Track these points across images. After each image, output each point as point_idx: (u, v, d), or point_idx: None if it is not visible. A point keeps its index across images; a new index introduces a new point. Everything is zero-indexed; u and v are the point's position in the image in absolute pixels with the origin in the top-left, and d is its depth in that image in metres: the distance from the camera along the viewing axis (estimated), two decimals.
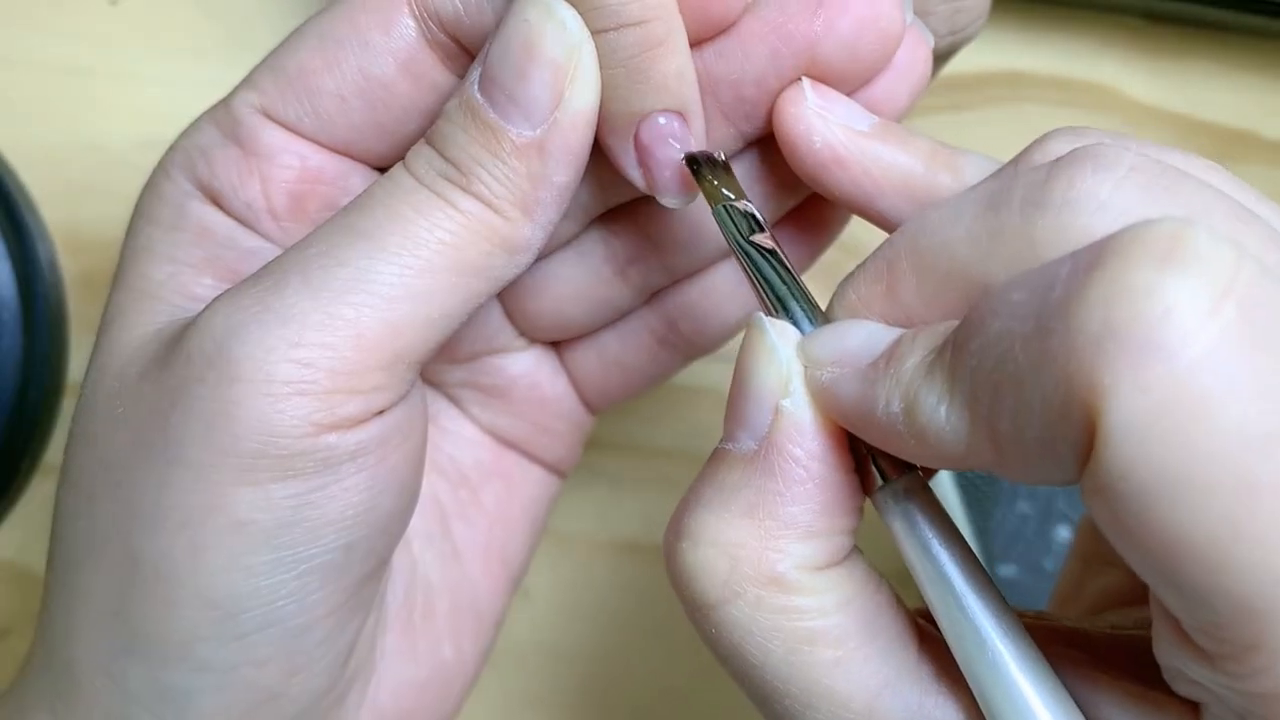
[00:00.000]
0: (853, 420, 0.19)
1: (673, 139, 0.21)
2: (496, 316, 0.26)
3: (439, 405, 0.28)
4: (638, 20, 0.20)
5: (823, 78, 0.22)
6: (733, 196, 0.22)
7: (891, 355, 0.18)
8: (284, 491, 0.20)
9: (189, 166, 0.23)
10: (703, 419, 0.36)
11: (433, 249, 0.21)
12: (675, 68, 0.21)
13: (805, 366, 0.19)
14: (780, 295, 0.21)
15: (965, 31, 0.27)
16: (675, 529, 0.20)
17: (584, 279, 0.25)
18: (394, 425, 0.22)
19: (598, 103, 0.21)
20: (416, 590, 0.26)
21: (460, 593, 0.27)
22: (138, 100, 0.36)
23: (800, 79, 0.22)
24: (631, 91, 0.21)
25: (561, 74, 0.20)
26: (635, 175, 0.22)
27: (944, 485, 0.35)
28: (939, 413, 0.17)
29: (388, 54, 0.22)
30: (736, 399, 0.20)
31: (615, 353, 0.27)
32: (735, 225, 0.21)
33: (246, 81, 0.23)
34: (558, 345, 0.27)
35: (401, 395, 0.21)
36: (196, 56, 0.36)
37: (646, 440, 0.36)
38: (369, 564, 0.22)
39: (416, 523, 0.26)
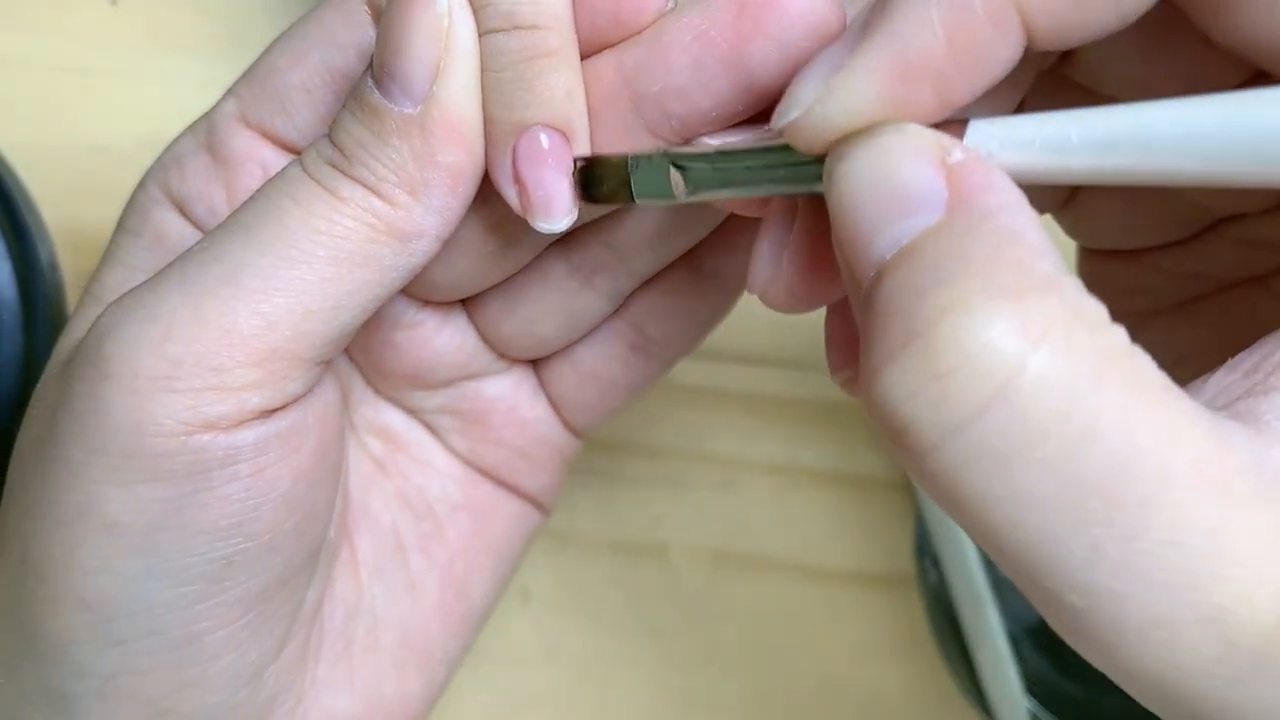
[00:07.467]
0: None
1: (551, 160, 0.21)
2: (472, 341, 0.26)
3: (412, 435, 0.27)
4: (530, 24, 0.20)
5: (755, 84, 0.20)
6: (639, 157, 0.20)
7: None
8: (152, 494, 0.20)
9: (162, 176, 0.24)
10: (703, 419, 0.36)
11: (308, 239, 0.20)
12: (564, 84, 0.20)
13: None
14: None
15: None
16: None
17: (552, 296, 0.25)
18: (275, 433, 0.21)
19: (477, 76, 0.20)
20: (359, 621, 0.26)
21: (411, 629, 0.26)
22: (138, 100, 0.36)
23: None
24: (514, 99, 0.20)
25: (435, 44, 0.20)
26: (509, 192, 0.21)
27: None
28: None
29: (350, 47, 0.22)
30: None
31: (590, 365, 0.26)
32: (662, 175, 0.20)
33: (228, 91, 0.24)
34: (535, 365, 0.27)
35: (286, 398, 0.21)
36: (196, 56, 0.36)
37: (646, 440, 0.36)
38: (259, 581, 0.22)
39: (367, 551, 0.26)
